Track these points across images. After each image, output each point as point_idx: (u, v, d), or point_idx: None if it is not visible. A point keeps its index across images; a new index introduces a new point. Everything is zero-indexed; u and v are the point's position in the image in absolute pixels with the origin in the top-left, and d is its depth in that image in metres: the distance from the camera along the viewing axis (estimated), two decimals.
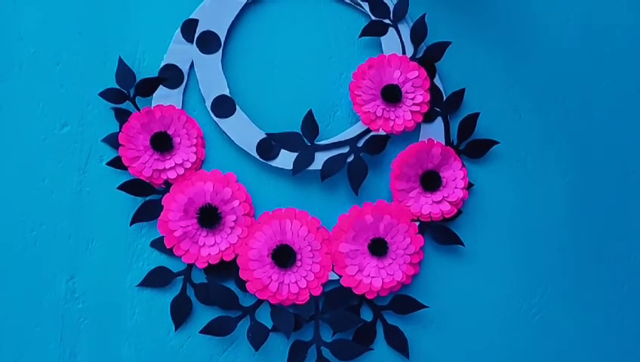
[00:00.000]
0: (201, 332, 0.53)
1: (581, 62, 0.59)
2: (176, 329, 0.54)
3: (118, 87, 0.53)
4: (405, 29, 0.57)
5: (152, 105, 0.54)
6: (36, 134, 0.54)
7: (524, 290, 0.57)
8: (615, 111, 0.60)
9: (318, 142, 0.55)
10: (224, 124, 0.54)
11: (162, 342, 0.54)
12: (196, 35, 0.54)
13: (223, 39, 0.55)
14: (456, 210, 0.56)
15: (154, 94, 0.54)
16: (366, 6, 0.56)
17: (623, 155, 0.60)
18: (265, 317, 0.54)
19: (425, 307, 0.55)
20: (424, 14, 0.56)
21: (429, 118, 0.56)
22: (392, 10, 0.56)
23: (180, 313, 0.53)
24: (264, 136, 0.54)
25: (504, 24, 0.59)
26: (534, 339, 0.57)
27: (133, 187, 0.53)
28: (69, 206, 0.54)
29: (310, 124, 0.55)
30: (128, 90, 0.54)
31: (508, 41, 0.59)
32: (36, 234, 0.53)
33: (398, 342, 0.55)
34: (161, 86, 0.54)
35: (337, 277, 0.54)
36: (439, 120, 0.57)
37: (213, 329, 0.53)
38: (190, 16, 0.55)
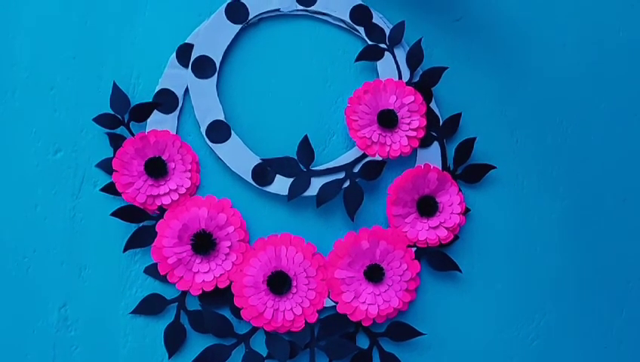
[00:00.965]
0: (195, 360, 0.52)
1: (578, 86, 0.59)
2: (169, 357, 0.53)
3: (112, 112, 0.53)
4: (401, 54, 0.56)
5: (147, 131, 0.53)
6: (29, 159, 0.53)
7: (522, 317, 0.57)
8: (612, 136, 0.59)
9: (313, 168, 0.55)
10: (219, 149, 0.54)
11: None
12: (191, 60, 0.54)
13: (218, 64, 0.54)
14: (453, 236, 0.55)
15: (148, 119, 0.54)
16: (362, 30, 0.56)
17: (620, 180, 0.59)
18: (260, 345, 0.53)
19: (422, 334, 0.54)
20: (420, 39, 0.56)
21: (425, 142, 0.56)
22: (388, 34, 0.56)
23: (174, 341, 0.53)
24: (259, 161, 0.54)
25: (500, 49, 0.59)
26: None
27: (127, 213, 0.52)
28: (62, 232, 0.53)
29: (306, 150, 0.54)
30: (122, 115, 0.53)
31: (504, 65, 0.58)
32: (28, 261, 0.53)
33: None
34: (155, 111, 0.54)
35: (333, 304, 0.53)
36: (436, 145, 0.57)
37: (208, 357, 0.52)
38: (185, 41, 0.54)
